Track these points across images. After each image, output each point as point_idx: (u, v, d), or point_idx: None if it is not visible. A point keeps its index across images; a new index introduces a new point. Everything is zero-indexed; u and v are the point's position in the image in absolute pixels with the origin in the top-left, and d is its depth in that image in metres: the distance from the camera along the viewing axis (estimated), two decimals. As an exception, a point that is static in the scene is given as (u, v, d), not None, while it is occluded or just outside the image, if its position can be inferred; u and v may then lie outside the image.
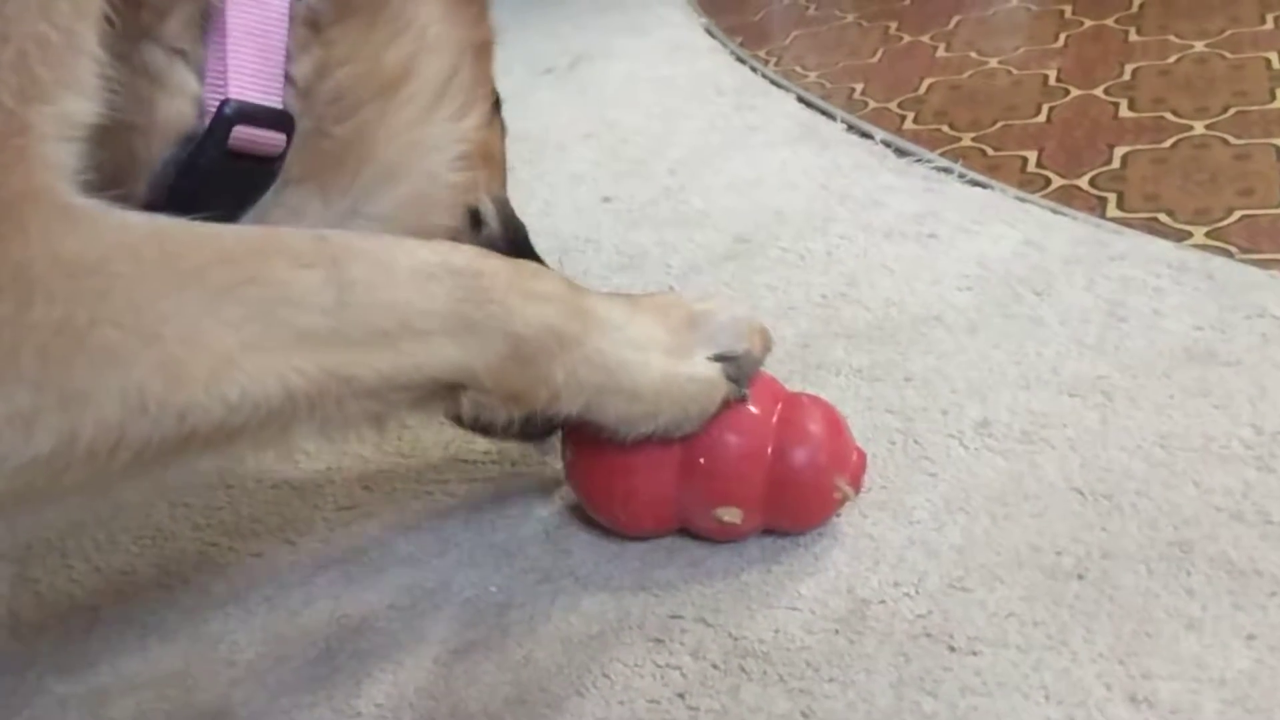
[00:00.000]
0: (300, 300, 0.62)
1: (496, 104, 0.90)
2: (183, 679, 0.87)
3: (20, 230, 0.54)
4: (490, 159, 0.87)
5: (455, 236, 0.81)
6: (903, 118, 1.57)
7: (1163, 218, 1.19)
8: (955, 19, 1.86)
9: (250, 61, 0.68)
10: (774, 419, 0.83)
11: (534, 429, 0.80)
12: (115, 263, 0.57)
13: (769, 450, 0.82)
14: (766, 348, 0.84)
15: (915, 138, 1.49)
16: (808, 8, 2.09)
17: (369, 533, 0.98)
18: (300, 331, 0.61)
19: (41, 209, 0.55)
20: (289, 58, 0.71)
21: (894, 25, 1.90)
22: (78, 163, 0.58)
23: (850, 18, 1.99)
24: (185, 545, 1.01)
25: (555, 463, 0.99)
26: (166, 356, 0.57)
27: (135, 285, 0.57)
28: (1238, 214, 1.17)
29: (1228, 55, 1.51)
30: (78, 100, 0.58)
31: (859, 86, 1.70)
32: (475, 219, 0.86)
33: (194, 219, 0.62)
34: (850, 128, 1.54)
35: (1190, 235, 1.15)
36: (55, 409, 0.54)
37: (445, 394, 0.70)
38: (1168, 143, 1.34)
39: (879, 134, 1.49)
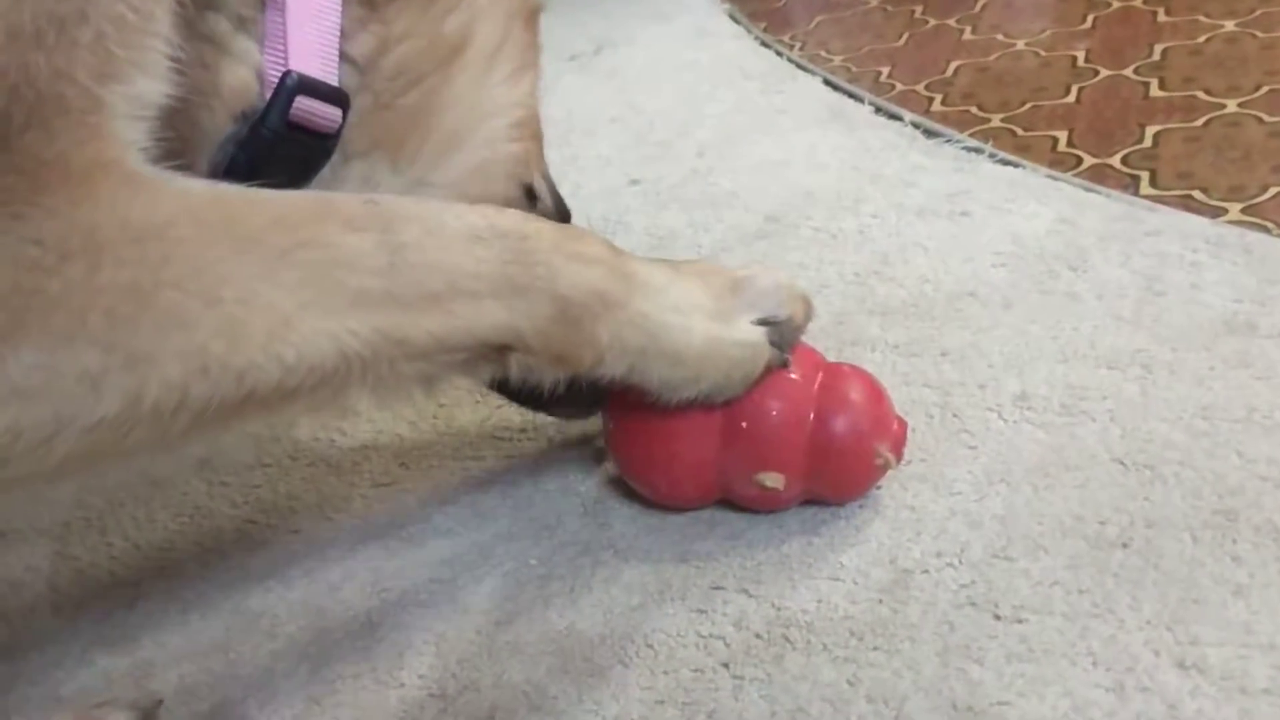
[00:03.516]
0: (353, 263, 0.62)
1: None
2: (225, 653, 0.87)
3: (90, 197, 0.56)
4: (537, 135, 0.87)
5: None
6: (930, 100, 1.56)
7: (1197, 195, 1.19)
8: (981, 2, 1.85)
9: (309, 37, 0.69)
10: (816, 386, 0.83)
11: (578, 399, 0.80)
12: (178, 227, 0.58)
13: (811, 416, 0.82)
14: (808, 315, 0.84)
15: (944, 119, 1.49)
16: (831, -7, 2.08)
17: (407, 508, 0.98)
18: (354, 294, 0.62)
19: (110, 177, 0.57)
20: (344, 36, 0.72)
21: (919, 9, 1.90)
22: (145, 140, 0.60)
23: (874, 2, 1.98)
24: (223, 522, 1.02)
25: (594, 438, 0.99)
26: (226, 318, 0.58)
27: (197, 249, 0.58)
28: (1273, 190, 1.16)
29: (1259, 35, 1.50)
30: (149, 81, 0.59)
31: (885, 70, 1.70)
32: (530, 195, 0.86)
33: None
34: (878, 110, 1.54)
35: (1225, 212, 1.15)
36: (122, 370, 0.55)
37: (494, 355, 0.71)
38: (1200, 121, 1.33)
39: (908, 115, 1.49)
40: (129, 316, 0.55)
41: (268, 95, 0.68)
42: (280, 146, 0.69)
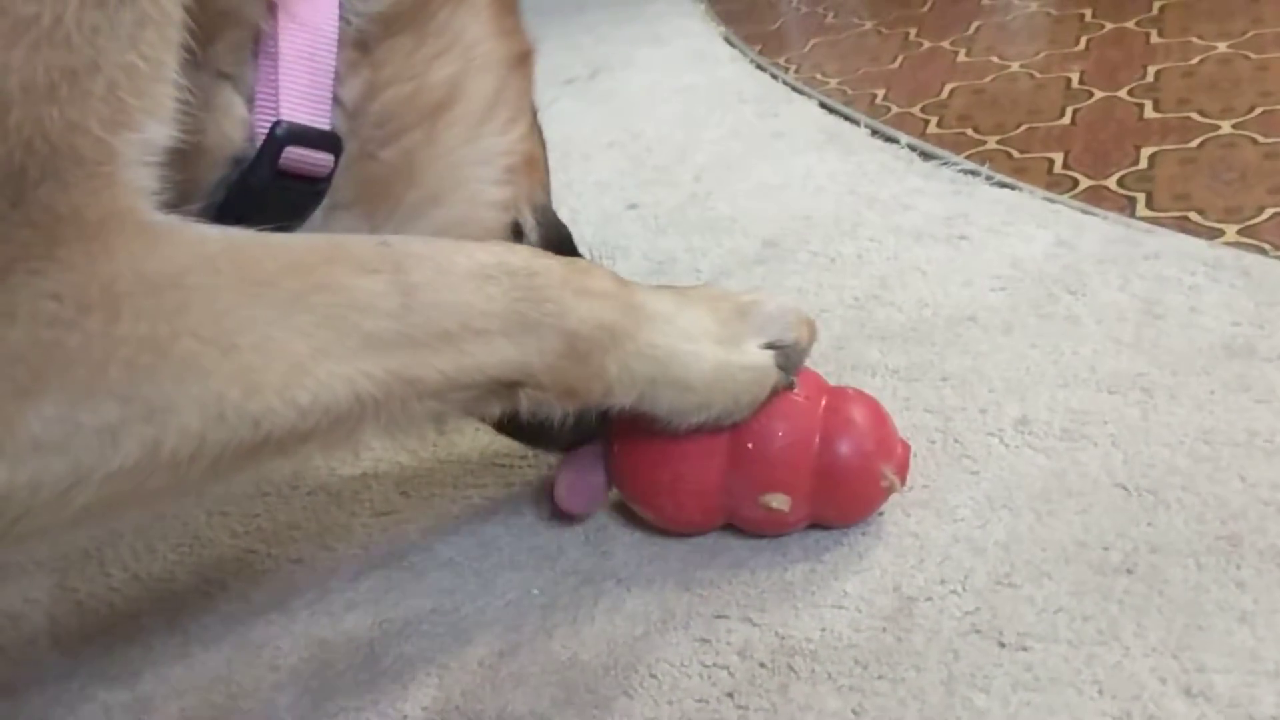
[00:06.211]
0: (366, 305, 0.63)
1: (533, 111, 0.91)
2: (226, 685, 0.87)
3: (106, 250, 0.56)
4: (533, 167, 0.87)
5: None
6: (926, 122, 1.57)
7: (1193, 216, 1.19)
8: (975, 24, 1.86)
9: (301, 84, 0.69)
10: (821, 408, 0.84)
11: (580, 432, 0.80)
12: (194, 276, 0.58)
13: (816, 438, 0.82)
14: (813, 338, 0.85)
15: (939, 142, 1.49)
16: (825, 16, 2.09)
17: (408, 537, 0.98)
18: (367, 336, 0.62)
19: (126, 228, 0.57)
20: (338, 80, 0.72)
21: (913, 31, 1.91)
22: (155, 184, 0.60)
23: (869, 25, 2.00)
24: (224, 552, 1.02)
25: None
26: (243, 365, 0.58)
27: (213, 297, 0.58)
28: (1269, 211, 1.16)
29: (1252, 56, 1.51)
30: (159, 126, 0.60)
31: (880, 92, 1.70)
32: (516, 233, 0.86)
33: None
34: (874, 133, 1.54)
35: (1222, 233, 1.15)
36: (141, 420, 0.56)
37: (503, 392, 0.71)
38: (1195, 142, 1.33)
39: (904, 138, 1.49)
40: (148, 367, 0.56)
41: (259, 143, 0.68)
42: (270, 194, 0.69)
